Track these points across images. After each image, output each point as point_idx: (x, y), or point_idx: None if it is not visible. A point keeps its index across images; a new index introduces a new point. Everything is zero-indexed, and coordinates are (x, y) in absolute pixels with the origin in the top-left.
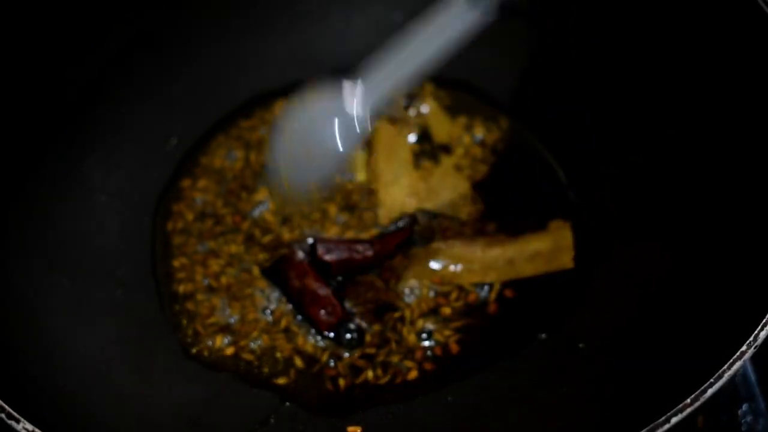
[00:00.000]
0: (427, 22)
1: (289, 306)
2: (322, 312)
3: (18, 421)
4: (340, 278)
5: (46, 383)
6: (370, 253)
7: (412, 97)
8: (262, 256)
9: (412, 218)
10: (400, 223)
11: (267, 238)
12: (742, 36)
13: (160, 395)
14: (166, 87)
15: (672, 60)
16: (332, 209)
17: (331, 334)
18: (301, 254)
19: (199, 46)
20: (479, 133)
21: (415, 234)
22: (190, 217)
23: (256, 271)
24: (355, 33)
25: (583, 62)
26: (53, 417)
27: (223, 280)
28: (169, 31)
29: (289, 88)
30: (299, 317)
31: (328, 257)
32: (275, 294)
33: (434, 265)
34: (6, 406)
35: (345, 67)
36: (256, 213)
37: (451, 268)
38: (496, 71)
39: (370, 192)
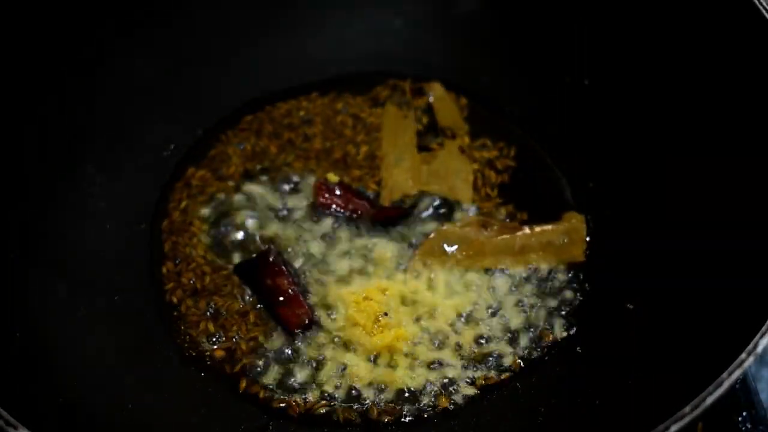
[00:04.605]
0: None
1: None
2: (291, 313)
3: (16, 428)
4: None
5: (44, 390)
6: (363, 208)
7: (420, 86)
8: (238, 255)
9: (414, 203)
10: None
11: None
12: (745, 48)
13: (159, 402)
14: (164, 94)
15: (677, 80)
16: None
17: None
18: (275, 254)
19: (199, 52)
20: (491, 149)
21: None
22: (180, 220)
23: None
24: (355, 39)
25: (590, 84)
26: (51, 424)
27: (208, 281)
28: (168, 37)
29: (287, 92)
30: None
31: (322, 195)
32: (249, 293)
33: (447, 246)
34: (4, 413)
35: (344, 72)
36: (239, 217)
37: (463, 250)
38: (505, 82)
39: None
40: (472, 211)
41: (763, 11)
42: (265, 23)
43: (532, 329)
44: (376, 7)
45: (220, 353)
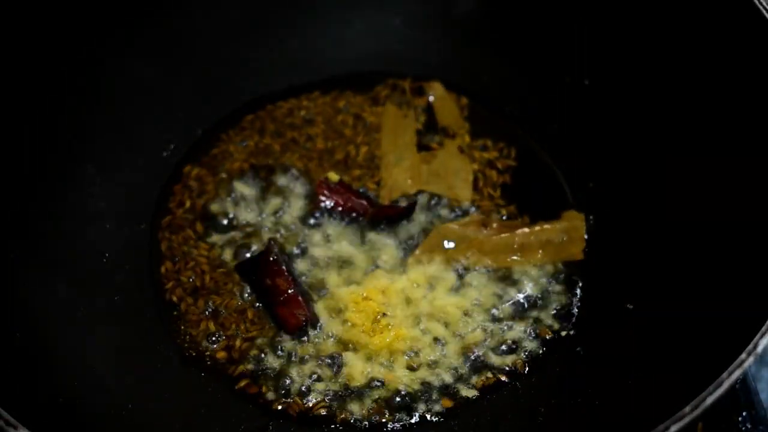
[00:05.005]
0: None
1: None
2: (289, 313)
3: (16, 428)
4: None
5: (44, 391)
6: (363, 208)
7: (420, 86)
8: (237, 254)
9: (413, 203)
10: (403, 203)
11: (245, 237)
12: (745, 48)
13: (159, 402)
14: (164, 94)
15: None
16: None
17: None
18: (275, 254)
19: (199, 52)
20: (491, 149)
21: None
22: (180, 218)
23: (235, 276)
24: (355, 39)
25: (590, 84)
26: (51, 424)
27: (208, 279)
28: (168, 37)
29: (287, 92)
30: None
31: (322, 193)
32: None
33: (446, 245)
34: (4, 413)
35: (344, 72)
36: (239, 215)
37: (463, 249)
38: (505, 82)
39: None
40: (472, 210)
41: (763, 11)
42: (265, 23)
43: (531, 329)
44: (376, 7)
45: (221, 354)
